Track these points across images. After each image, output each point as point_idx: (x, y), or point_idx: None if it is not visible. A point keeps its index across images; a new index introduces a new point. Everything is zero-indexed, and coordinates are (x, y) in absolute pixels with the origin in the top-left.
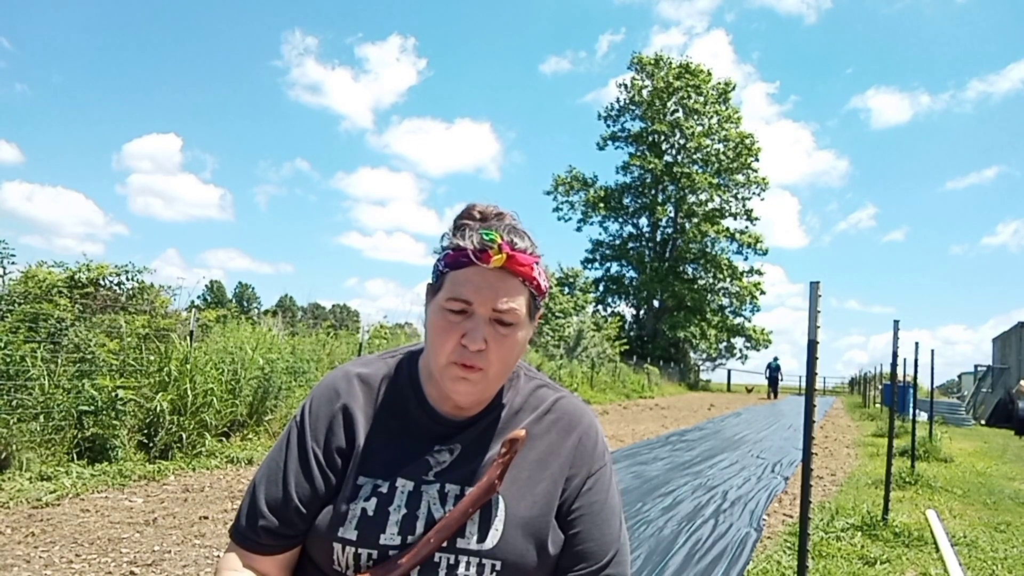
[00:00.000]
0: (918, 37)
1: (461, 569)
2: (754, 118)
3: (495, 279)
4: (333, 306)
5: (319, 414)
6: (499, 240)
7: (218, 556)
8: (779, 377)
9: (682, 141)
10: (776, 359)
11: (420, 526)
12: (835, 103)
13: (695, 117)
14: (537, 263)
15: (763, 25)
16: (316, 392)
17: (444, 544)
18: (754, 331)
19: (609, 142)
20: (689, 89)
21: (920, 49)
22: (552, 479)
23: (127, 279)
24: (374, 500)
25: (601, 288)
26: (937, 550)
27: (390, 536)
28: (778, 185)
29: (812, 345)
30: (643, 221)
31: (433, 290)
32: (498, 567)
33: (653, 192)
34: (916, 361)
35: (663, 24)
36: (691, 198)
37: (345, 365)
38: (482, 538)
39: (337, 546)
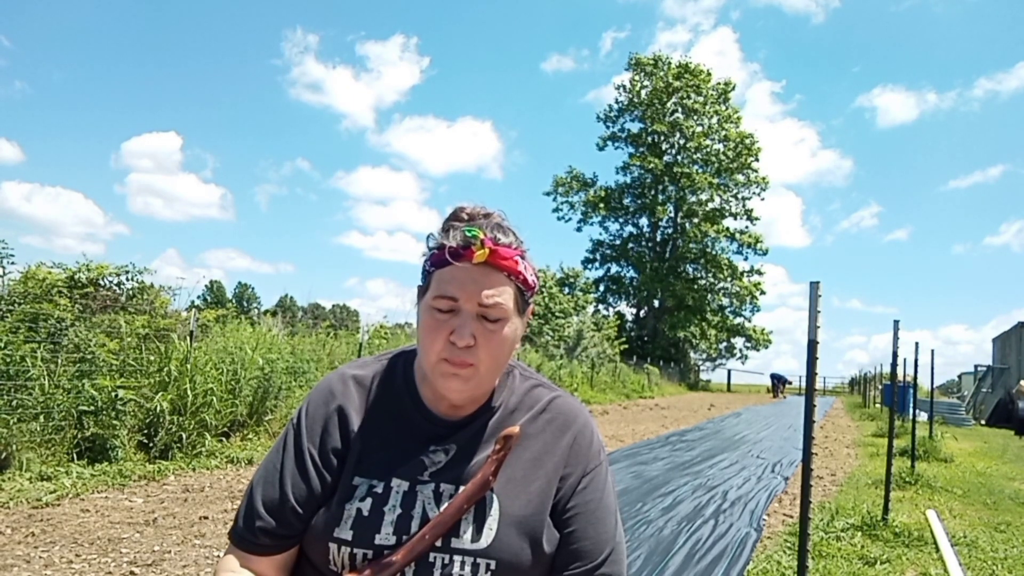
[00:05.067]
0: (926, 35)
1: (456, 568)
2: (758, 117)
3: (479, 274)
4: (333, 306)
5: (315, 416)
6: (481, 236)
7: (218, 556)
8: (779, 385)
9: (682, 141)
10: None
11: (415, 526)
12: (840, 102)
13: (695, 117)
14: (522, 257)
15: (769, 23)
16: (312, 395)
17: (439, 544)
18: (754, 331)
19: (608, 142)
20: (689, 89)
21: (928, 47)
22: (547, 478)
23: (127, 279)
24: (369, 500)
25: (601, 288)
26: (937, 550)
27: (385, 536)
28: (781, 184)
29: (812, 345)
30: (643, 221)
31: (422, 291)
32: (492, 566)
33: (653, 192)
34: (916, 361)
35: (668, 22)
36: (691, 198)
37: (341, 367)
38: (476, 537)
39: (333, 546)
